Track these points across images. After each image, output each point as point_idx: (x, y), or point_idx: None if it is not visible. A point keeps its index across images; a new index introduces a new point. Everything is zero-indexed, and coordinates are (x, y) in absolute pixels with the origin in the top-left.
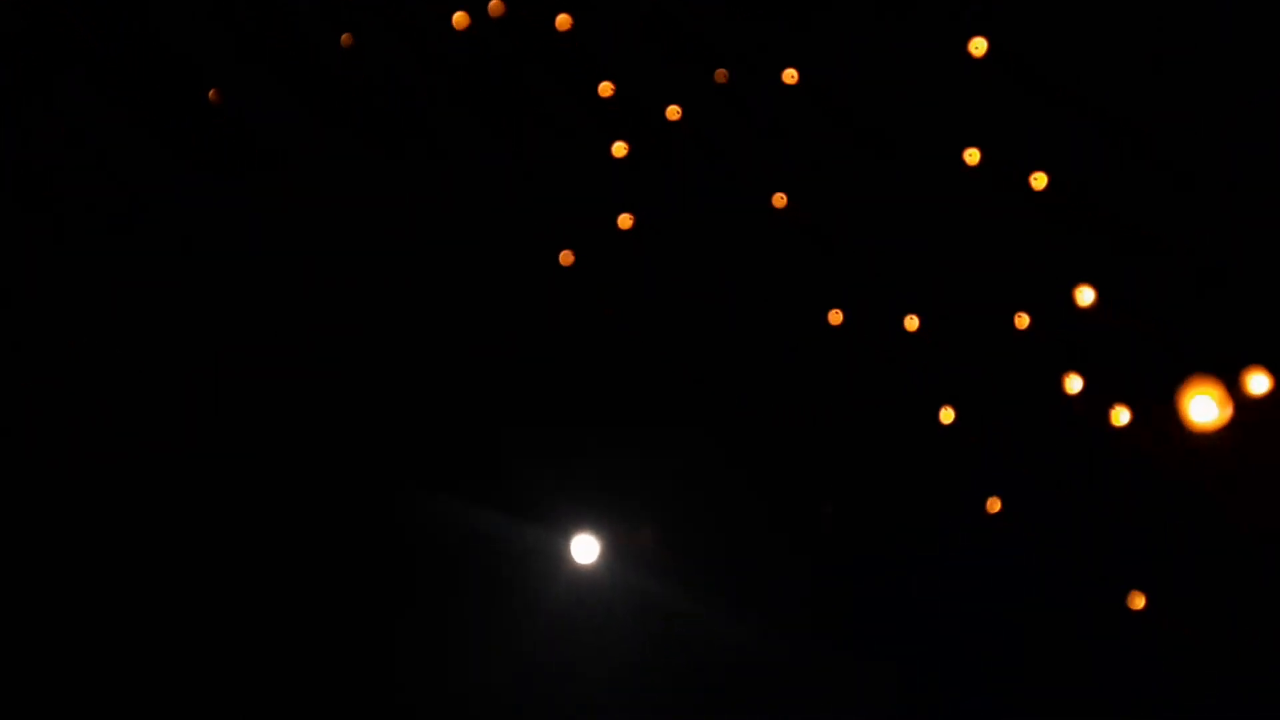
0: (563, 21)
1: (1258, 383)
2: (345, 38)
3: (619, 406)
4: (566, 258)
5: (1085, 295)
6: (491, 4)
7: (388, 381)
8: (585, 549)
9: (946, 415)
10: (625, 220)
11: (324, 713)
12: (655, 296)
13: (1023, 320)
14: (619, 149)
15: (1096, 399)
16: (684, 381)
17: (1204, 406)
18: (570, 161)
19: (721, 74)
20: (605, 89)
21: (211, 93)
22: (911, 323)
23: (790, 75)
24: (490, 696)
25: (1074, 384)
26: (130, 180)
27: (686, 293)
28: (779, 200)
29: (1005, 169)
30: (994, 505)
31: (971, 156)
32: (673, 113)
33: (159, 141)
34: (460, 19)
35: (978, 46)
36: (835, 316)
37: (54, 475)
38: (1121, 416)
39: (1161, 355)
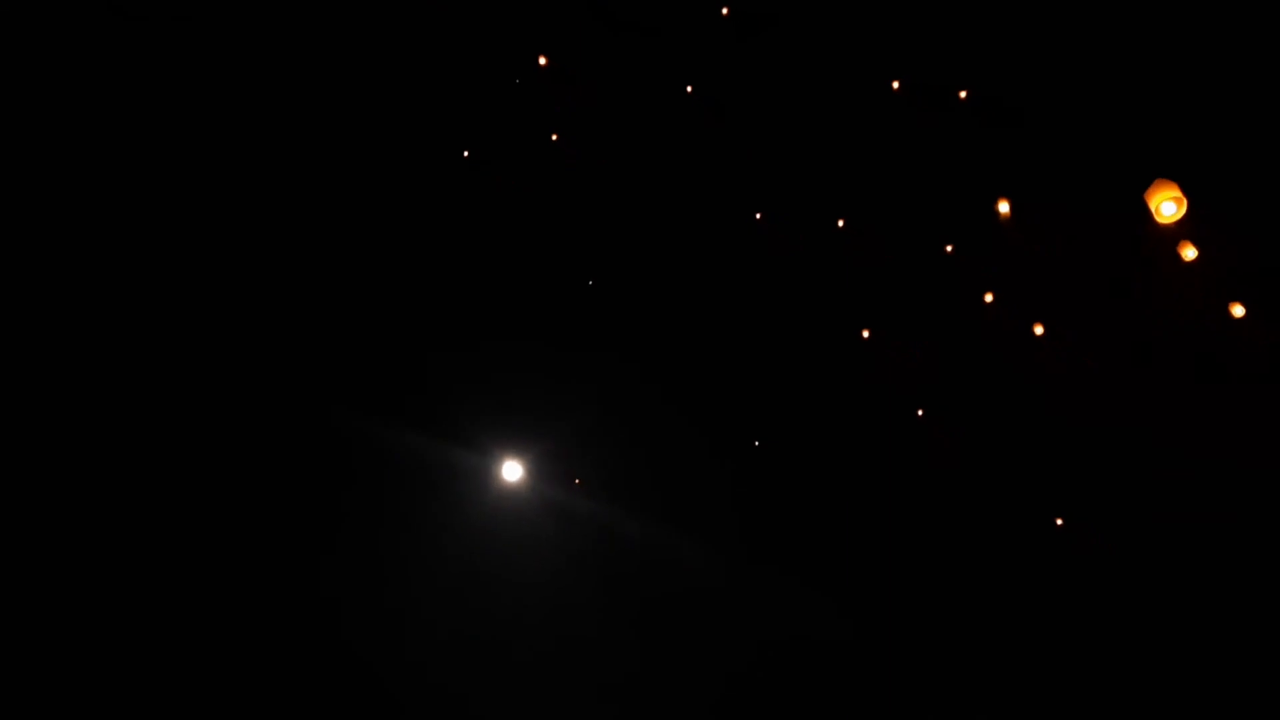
0: None
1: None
2: None
3: (555, 337)
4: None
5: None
6: None
7: (330, 311)
8: (512, 470)
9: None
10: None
11: (261, 621)
12: (589, 231)
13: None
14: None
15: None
16: (613, 311)
17: (1168, 204)
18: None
19: None
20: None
21: None
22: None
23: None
24: (419, 609)
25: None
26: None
27: (617, 226)
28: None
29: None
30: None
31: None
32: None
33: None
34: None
35: None
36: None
37: None
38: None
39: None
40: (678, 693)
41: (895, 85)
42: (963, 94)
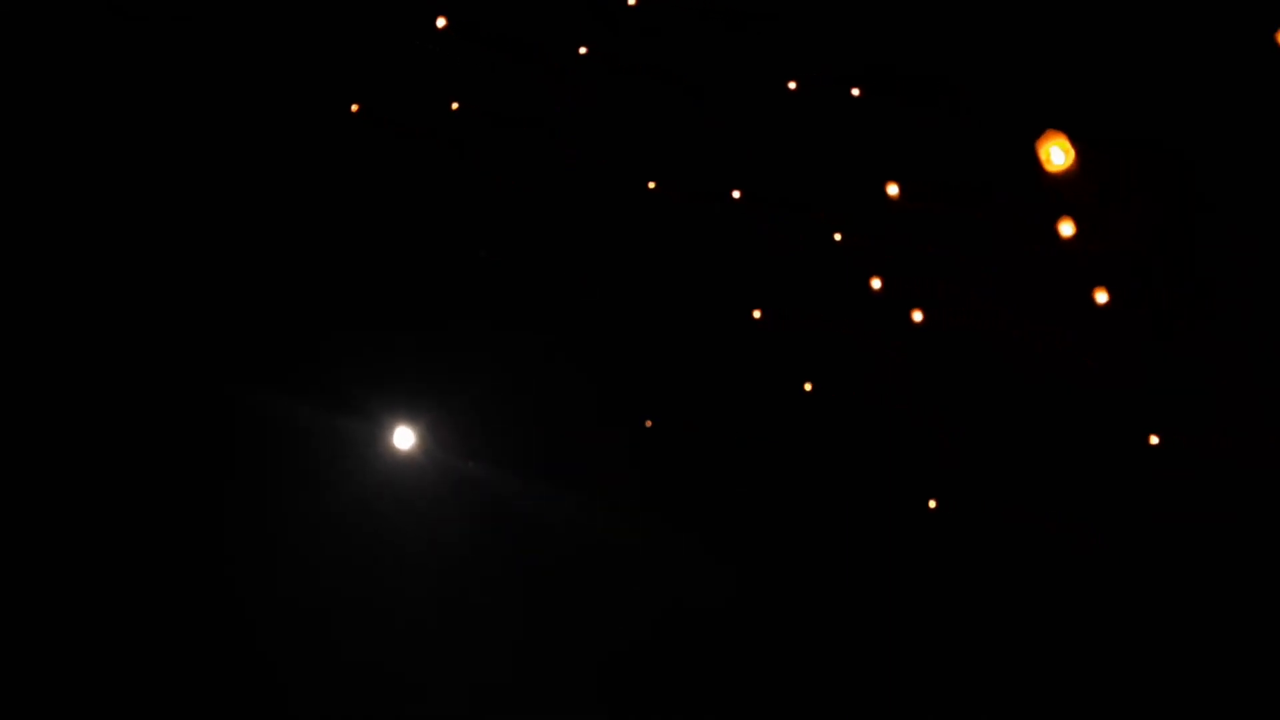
0: None
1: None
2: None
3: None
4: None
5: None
6: None
7: (219, 283)
8: (404, 438)
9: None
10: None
11: (157, 599)
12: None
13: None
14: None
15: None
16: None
17: (1057, 152)
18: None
19: None
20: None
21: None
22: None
23: None
24: (315, 579)
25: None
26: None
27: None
28: None
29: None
30: None
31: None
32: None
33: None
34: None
35: None
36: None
37: None
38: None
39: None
40: (571, 658)
41: (792, 85)
42: (855, 91)
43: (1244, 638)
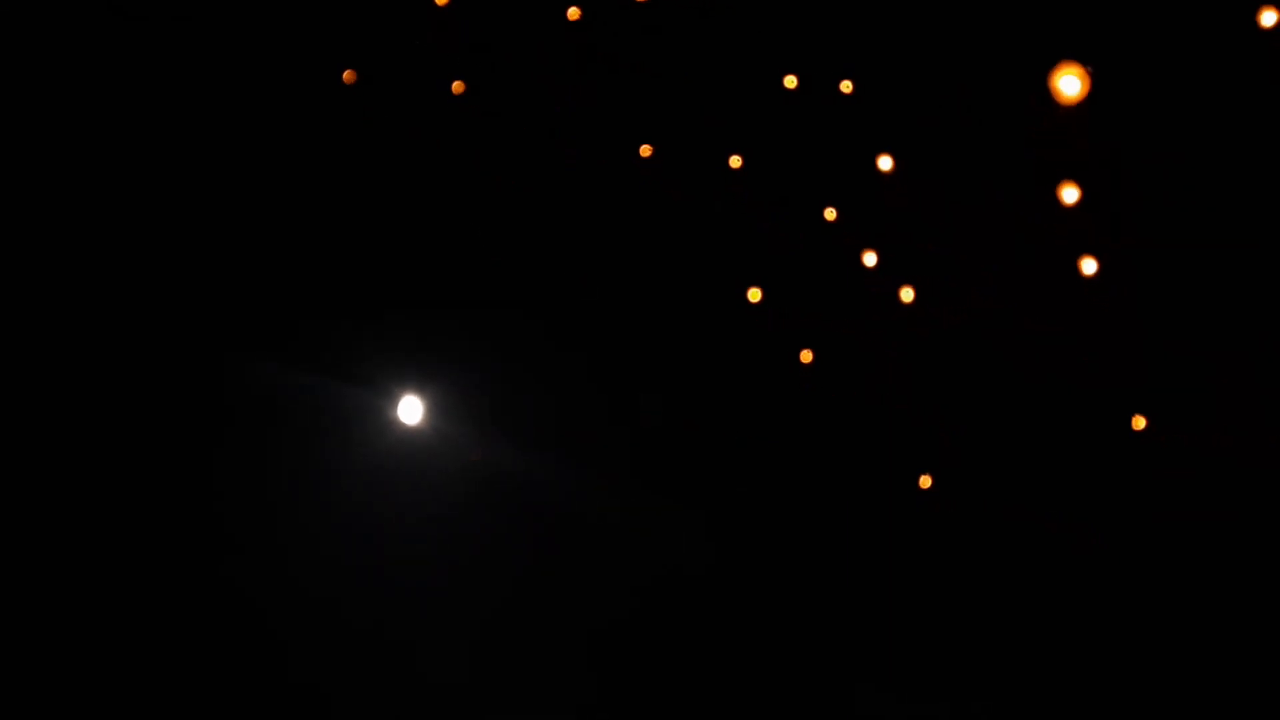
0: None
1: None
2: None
3: (447, 278)
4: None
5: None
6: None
7: (218, 248)
8: (410, 409)
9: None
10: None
11: (154, 574)
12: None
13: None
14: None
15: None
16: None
17: (1069, 81)
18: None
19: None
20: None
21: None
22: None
23: None
24: (318, 555)
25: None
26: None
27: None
28: None
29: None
30: None
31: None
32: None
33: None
34: None
35: None
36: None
37: None
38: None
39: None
40: (571, 626)
41: (793, 84)
42: (856, 89)
43: (1244, 638)
